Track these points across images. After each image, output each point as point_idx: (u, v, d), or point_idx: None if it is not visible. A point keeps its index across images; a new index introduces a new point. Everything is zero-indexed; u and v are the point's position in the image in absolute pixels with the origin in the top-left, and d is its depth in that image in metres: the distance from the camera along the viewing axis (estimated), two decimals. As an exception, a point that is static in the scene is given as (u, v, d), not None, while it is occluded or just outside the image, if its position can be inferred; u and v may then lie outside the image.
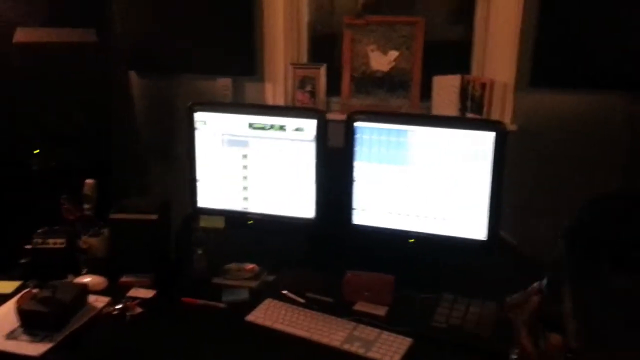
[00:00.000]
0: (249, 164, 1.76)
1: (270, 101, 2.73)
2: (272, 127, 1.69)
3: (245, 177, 1.78)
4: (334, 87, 2.72)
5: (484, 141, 1.55)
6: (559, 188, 2.44)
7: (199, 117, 1.76)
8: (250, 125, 1.73)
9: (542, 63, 2.41)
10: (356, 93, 2.70)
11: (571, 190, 2.40)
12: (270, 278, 1.78)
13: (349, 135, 1.59)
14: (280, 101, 2.72)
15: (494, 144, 1.55)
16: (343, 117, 1.67)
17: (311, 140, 1.67)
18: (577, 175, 2.40)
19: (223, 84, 2.71)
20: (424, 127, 1.54)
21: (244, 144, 1.74)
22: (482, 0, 2.47)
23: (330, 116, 1.90)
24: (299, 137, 1.68)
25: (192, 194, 1.81)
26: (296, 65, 2.70)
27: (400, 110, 2.59)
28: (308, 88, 2.71)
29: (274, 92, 2.73)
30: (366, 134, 1.59)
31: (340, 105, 2.69)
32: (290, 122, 1.67)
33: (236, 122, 1.74)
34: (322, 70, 2.67)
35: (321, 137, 1.66)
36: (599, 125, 2.36)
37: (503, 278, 1.69)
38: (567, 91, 2.39)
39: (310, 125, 1.66)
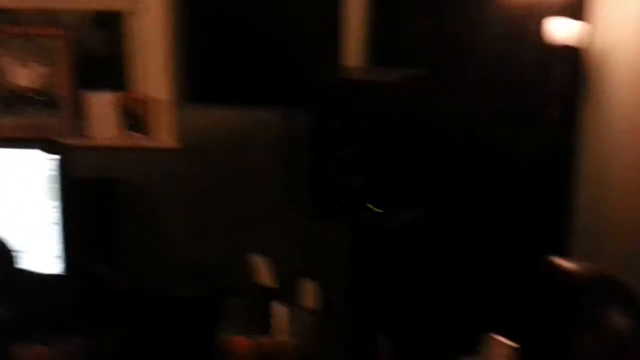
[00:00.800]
0: None
1: None
2: None
3: None
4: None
5: (39, 163, 1.37)
6: (229, 203, 2.43)
7: None
8: None
9: (199, 80, 2.39)
10: (4, 113, 2.37)
11: (241, 206, 2.43)
12: None
13: None
14: None
15: (54, 165, 1.37)
16: None
17: None
18: (243, 189, 2.42)
19: None
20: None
21: None
22: (128, 14, 2.33)
23: None
24: None
25: None
26: None
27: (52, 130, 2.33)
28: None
29: None
30: None
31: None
32: None
33: None
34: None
35: None
36: (259, 140, 2.41)
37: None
38: (227, 107, 2.40)
39: None
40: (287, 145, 2.38)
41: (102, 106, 2.35)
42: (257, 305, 1.83)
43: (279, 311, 1.81)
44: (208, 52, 2.37)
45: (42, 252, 1.37)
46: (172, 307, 1.99)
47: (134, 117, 2.39)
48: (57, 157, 1.33)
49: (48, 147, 1.32)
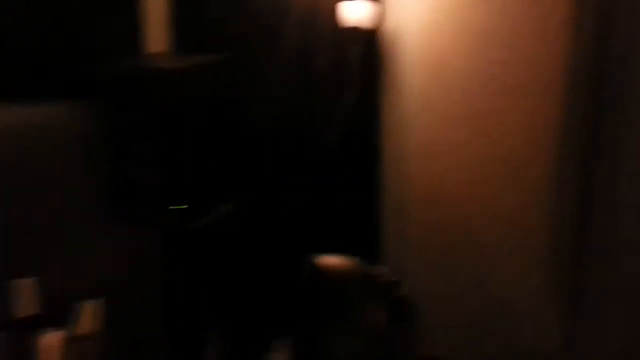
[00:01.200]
0: None
1: None
2: None
3: None
4: None
5: None
6: (12, 215, 2.11)
7: None
8: None
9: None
10: None
11: (26, 216, 2.12)
12: None
13: None
14: None
15: None
16: None
17: None
18: (29, 196, 2.13)
19: None
20: None
21: None
22: None
23: None
24: None
25: None
26: None
27: None
28: None
29: None
30: None
31: None
32: None
33: None
34: None
35: None
36: (48, 139, 2.13)
37: None
38: (8, 104, 2.09)
39: None
40: (80, 143, 2.13)
41: None
42: (20, 338, 1.58)
43: (47, 341, 1.58)
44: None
45: None
46: None
47: None
48: None
49: None
